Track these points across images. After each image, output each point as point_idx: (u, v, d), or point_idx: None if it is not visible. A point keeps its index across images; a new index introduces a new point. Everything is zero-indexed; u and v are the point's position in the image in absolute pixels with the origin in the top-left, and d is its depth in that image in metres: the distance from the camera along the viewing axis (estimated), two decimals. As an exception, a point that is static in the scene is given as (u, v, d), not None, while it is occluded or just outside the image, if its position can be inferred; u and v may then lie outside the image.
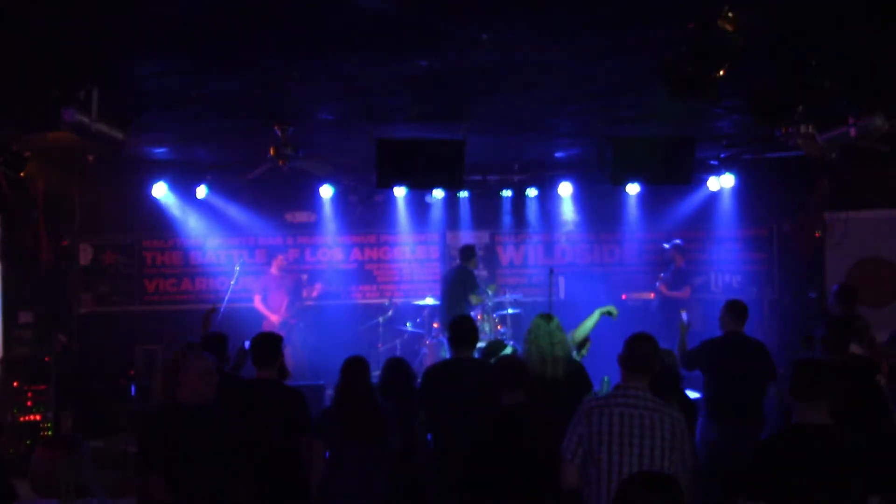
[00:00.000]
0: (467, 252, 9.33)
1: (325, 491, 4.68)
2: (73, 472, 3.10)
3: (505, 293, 10.12)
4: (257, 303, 9.87)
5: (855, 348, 5.42)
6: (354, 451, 4.59)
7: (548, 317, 5.27)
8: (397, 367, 5.32)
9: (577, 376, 5.25)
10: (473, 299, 9.01)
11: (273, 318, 9.68)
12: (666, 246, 10.46)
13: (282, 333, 9.33)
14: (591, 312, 5.89)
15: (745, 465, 3.84)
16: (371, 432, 4.60)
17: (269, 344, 5.03)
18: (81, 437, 3.41)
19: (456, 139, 7.14)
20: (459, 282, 9.02)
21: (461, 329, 5.32)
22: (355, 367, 4.80)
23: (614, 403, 3.77)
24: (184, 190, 10.18)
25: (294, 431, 4.78)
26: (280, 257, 10.22)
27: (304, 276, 10.47)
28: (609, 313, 5.92)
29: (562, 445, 3.85)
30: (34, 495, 3.15)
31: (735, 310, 6.13)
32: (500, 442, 4.30)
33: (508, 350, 6.49)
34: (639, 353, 3.86)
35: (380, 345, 10.03)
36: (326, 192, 10.61)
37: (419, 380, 5.40)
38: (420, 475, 5.15)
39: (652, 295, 10.54)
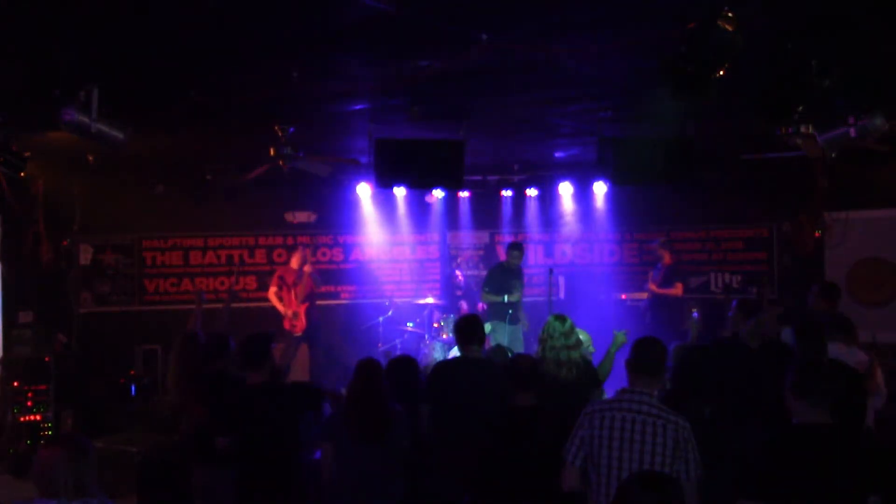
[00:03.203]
0: (509, 247, 9.38)
1: (334, 492, 4.69)
2: (76, 472, 3.09)
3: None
4: (271, 294, 9.62)
5: (840, 347, 5.39)
6: (362, 452, 4.58)
7: (562, 318, 5.26)
8: (405, 367, 5.30)
9: (589, 377, 5.26)
10: (482, 296, 9.16)
11: (286, 313, 9.49)
12: (652, 244, 10.40)
13: (297, 322, 9.40)
14: (589, 312, 5.88)
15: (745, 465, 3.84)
16: (379, 434, 4.59)
17: (258, 345, 4.90)
18: (87, 437, 3.39)
19: (456, 139, 7.14)
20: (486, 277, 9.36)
21: (465, 327, 5.32)
22: (368, 368, 4.78)
23: (617, 407, 3.74)
24: (184, 190, 10.18)
25: (293, 428, 4.76)
26: (301, 250, 9.84)
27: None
28: (622, 342, 5.86)
29: (564, 448, 3.83)
30: (36, 495, 3.14)
31: (744, 309, 6.11)
32: (512, 442, 4.28)
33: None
34: (645, 356, 3.83)
35: (380, 345, 10.02)
36: (326, 191, 10.60)
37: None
38: (427, 476, 5.14)
39: (645, 295, 10.50)
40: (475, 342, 5.28)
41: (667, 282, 9.95)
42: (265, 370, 4.86)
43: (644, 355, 3.84)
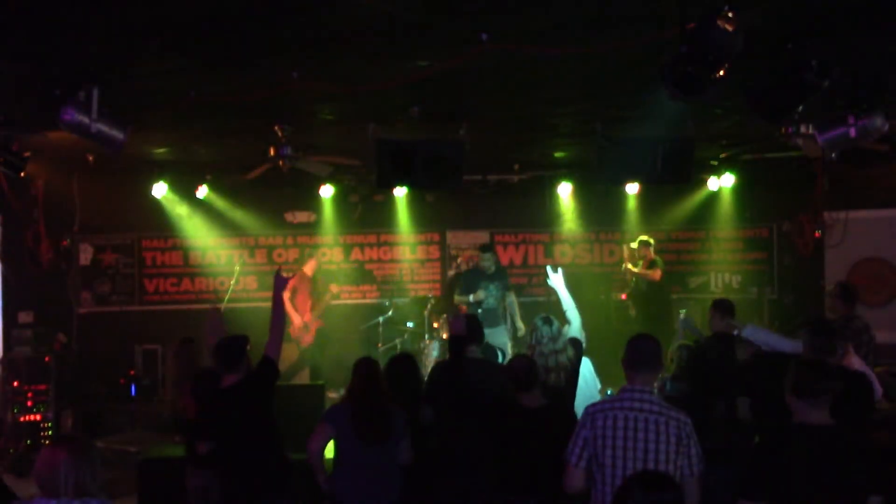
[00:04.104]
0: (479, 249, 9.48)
1: (334, 490, 4.69)
2: (78, 472, 3.10)
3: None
4: (285, 300, 9.57)
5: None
6: (361, 451, 4.59)
7: (549, 321, 5.24)
8: (404, 365, 5.30)
9: (575, 379, 5.25)
10: (455, 299, 9.30)
11: (296, 321, 9.41)
12: (633, 246, 10.31)
13: (306, 335, 9.39)
14: (589, 312, 5.83)
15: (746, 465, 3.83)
16: (378, 434, 4.59)
17: (235, 347, 4.94)
18: (88, 437, 3.40)
19: (456, 139, 7.14)
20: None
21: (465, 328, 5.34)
22: (367, 368, 4.79)
23: (619, 407, 3.74)
24: (184, 190, 10.18)
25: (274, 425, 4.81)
26: (315, 258, 9.84)
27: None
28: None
29: (567, 449, 3.84)
30: (38, 495, 3.14)
31: (721, 309, 6.07)
32: (523, 443, 4.28)
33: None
34: (641, 352, 3.84)
35: (380, 345, 10.02)
36: (326, 191, 10.59)
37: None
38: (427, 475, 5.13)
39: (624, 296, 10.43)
40: (473, 342, 5.28)
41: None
42: (241, 372, 4.88)
43: (640, 351, 3.84)
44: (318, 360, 9.67)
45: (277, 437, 4.91)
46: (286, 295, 9.46)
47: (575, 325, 5.45)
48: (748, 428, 5.15)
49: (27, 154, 6.87)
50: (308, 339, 9.52)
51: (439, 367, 5.46)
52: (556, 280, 5.80)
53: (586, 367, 5.64)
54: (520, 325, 9.13)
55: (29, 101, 5.95)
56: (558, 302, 5.80)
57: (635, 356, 3.83)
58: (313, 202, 10.91)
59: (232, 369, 4.86)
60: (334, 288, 9.81)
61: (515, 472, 4.36)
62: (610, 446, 3.69)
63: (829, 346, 4.67)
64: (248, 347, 5.03)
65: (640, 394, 3.74)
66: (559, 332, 5.18)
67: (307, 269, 9.70)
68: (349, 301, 11.15)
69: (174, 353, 5.97)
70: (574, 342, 5.29)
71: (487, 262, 9.07)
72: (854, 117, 5.66)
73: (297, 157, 7.33)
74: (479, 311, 8.80)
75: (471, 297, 8.92)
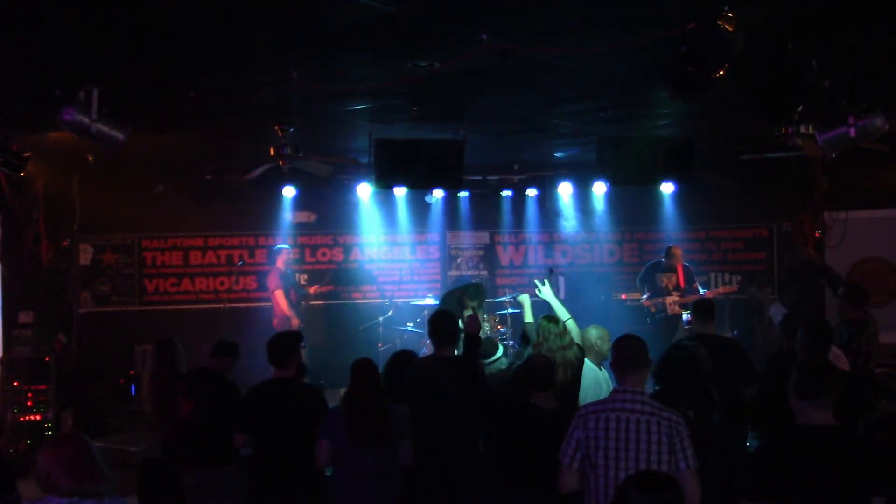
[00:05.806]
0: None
1: (332, 494, 4.67)
2: (85, 471, 3.11)
3: (506, 293, 10.08)
4: (280, 298, 9.33)
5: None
6: (360, 455, 4.55)
7: (554, 319, 5.21)
8: (404, 363, 5.25)
9: (578, 376, 5.24)
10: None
11: (295, 322, 9.26)
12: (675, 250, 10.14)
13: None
14: (589, 312, 5.83)
15: (731, 466, 3.83)
16: (377, 437, 4.56)
17: (288, 343, 5.02)
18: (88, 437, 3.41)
19: (456, 139, 7.14)
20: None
21: (438, 326, 5.16)
22: (364, 369, 4.73)
23: (610, 408, 3.75)
24: (184, 190, 10.17)
25: (313, 428, 4.75)
26: (285, 251, 9.74)
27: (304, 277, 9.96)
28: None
29: (560, 450, 3.84)
30: (39, 495, 3.14)
31: (698, 311, 6.04)
32: (540, 443, 4.27)
33: (500, 351, 6.39)
34: (624, 352, 3.84)
35: (380, 345, 10.02)
36: (326, 191, 10.58)
37: None
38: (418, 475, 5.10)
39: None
40: (453, 342, 5.14)
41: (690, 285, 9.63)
42: (291, 367, 4.93)
43: (625, 352, 3.85)
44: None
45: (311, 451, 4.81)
46: (280, 293, 9.37)
47: (573, 334, 5.44)
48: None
49: (27, 154, 6.86)
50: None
51: (414, 364, 5.33)
52: (546, 292, 5.82)
53: (602, 375, 5.62)
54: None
55: (29, 101, 5.95)
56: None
57: (620, 358, 3.85)
58: (313, 202, 10.92)
59: (282, 365, 4.90)
60: (312, 290, 9.79)
61: (523, 471, 4.34)
62: (602, 448, 3.70)
63: (822, 350, 4.73)
64: (302, 345, 5.05)
65: (632, 395, 3.75)
66: (565, 330, 5.17)
67: (280, 265, 9.61)
68: (349, 301, 11.15)
69: (153, 354, 5.98)
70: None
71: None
72: (854, 117, 5.66)
73: (298, 157, 7.32)
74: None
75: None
